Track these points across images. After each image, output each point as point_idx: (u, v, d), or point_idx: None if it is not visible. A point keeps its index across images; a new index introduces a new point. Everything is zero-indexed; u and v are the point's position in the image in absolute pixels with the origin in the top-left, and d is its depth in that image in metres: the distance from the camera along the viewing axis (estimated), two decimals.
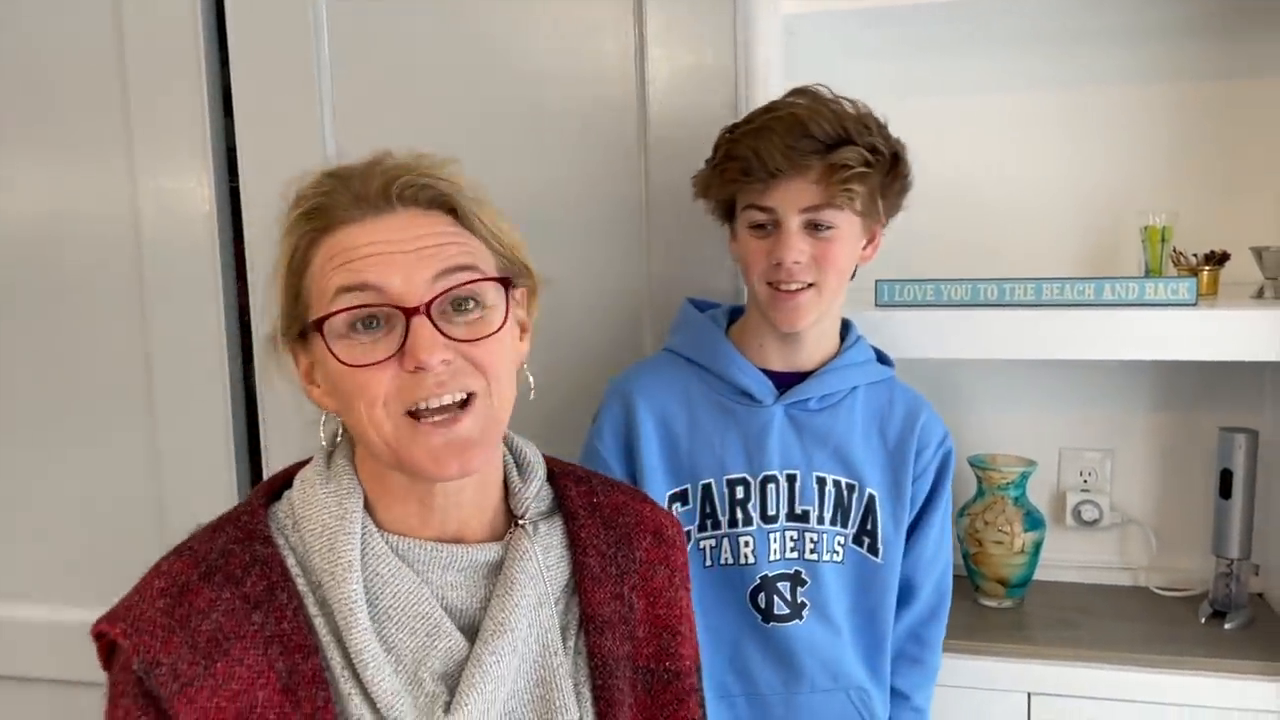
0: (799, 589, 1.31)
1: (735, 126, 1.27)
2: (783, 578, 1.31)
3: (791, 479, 1.31)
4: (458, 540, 0.88)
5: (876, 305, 1.51)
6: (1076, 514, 1.77)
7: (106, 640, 0.81)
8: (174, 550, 0.86)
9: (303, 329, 0.84)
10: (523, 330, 0.92)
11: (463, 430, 0.81)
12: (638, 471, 1.32)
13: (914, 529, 1.36)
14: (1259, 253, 1.49)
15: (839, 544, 1.32)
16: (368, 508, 0.87)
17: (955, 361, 1.47)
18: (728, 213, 1.31)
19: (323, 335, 0.80)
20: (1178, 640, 1.54)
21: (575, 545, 0.93)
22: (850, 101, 1.24)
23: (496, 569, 0.88)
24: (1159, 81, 1.69)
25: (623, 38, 1.50)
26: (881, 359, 1.38)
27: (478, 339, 0.82)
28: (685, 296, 1.42)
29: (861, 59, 1.70)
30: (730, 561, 1.31)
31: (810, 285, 1.23)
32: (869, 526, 1.32)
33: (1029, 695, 1.51)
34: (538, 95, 1.54)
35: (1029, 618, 1.61)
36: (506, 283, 0.85)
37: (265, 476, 1.65)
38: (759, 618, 1.31)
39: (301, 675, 0.79)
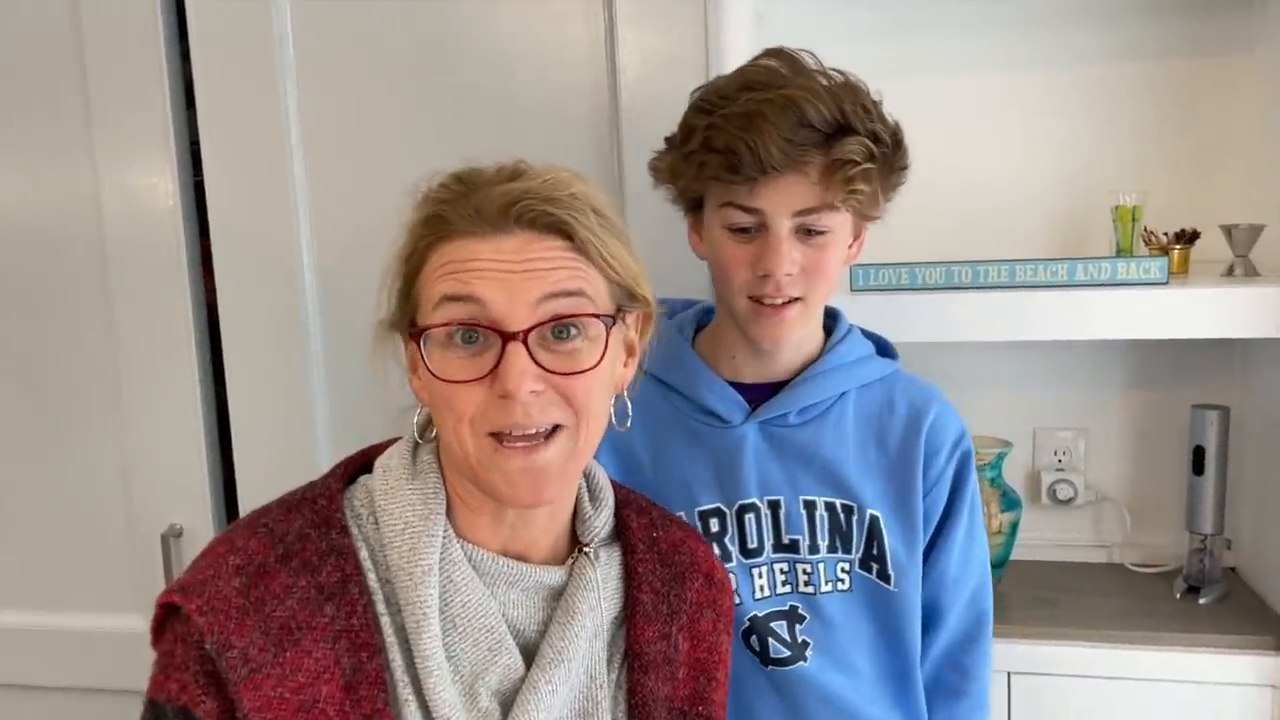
0: (797, 626, 1.14)
1: (709, 103, 1.08)
2: (776, 616, 1.14)
3: (774, 506, 1.14)
4: (521, 558, 0.87)
5: (852, 291, 1.51)
6: (1052, 493, 1.78)
7: (168, 609, 0.80)
8: (247, 524, 0.84)
9: (410, 327, 0.83)
10: (630, 354, 0.91)
11: (542, 459, 0.80)
12: None
13: (933, 546, 1.17)
14: (1228, 230, 1.50)
15: (843, 570, 1.15)
16: (448, 512, 0.86)
17: (930, 345, 1.47)
18: (695, 204, 1.14)
19: (419, 343, 0.80)
20: (1154, 616, 1.56)
21: (631, 578, 0.92)
22: (838, 73, 1.08)
23: (557, 593, 0.88)
24: (1127, 61, 1.69)
25: (592, 23, 1.49)
26: (883, 350, 1.23)
27: (572, 373, 0.80)
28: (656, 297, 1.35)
29: (833, 42, 1.68)
30: None
31: (797, 300, 1.07)
32: (875, 551, 1.14)
33: (1009, 674, 1.51)
34: (507, 82, 1.52)
35: (1007, 597, 1.62)
36: (612, 319, 0.83)
37: (238, 477, 1.66)
38: (758, 660, 1.15)
39: (365, 674, 0.79)
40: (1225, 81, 1.66)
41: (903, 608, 1.15)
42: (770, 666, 1.14)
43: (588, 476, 0.95)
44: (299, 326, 1.58)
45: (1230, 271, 1.50)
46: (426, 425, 0.89)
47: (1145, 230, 1.60)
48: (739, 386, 1.16)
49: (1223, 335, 1.44)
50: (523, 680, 0.84)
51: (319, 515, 0.84)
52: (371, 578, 0.83)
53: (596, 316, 0.81)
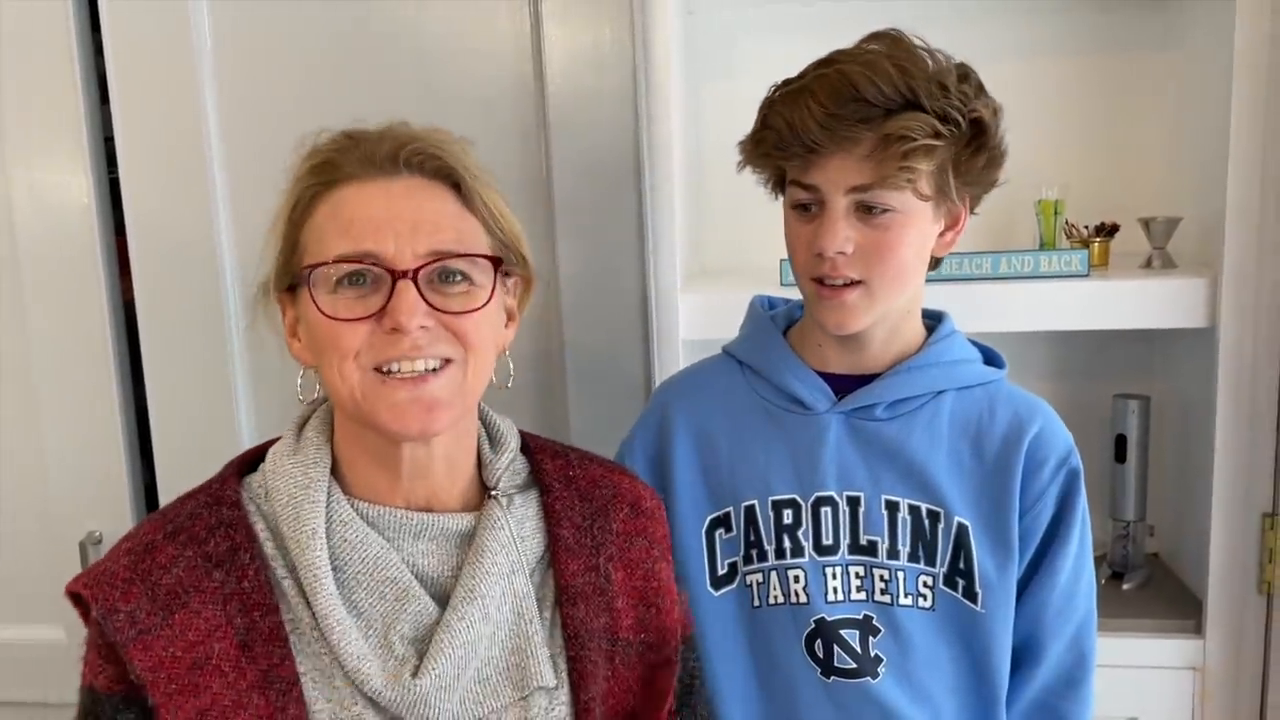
0: (871, 639, 1.07)
1: (780, 82, 1.05)
2: (848, 624, 1.07)
3: (854, 502, 1.08)
4: (428, 510, 0.90)
5: (782, 285, 1.51)
6: None
7: (79, 600, 0.84)
8: (147, 517, 0.89)
9: (293, 281, 0.86)
10: (510, 318, 0.94)
11: (430, 389, 0.83)
12: (669, 492, 1.13)
13: (1035, 572, 1.09)
14: (1146, 223, 1.53)
15: (925, 585, 1.07)
16: (338, 475, 0.89)
17: None
18: (780, 184, 1.09)
19: (309, 285, 0.82)
20: None
21: (550, 517, 0.94)
22: (939, 54, 1.03)
23: (469, 539, 0.89)
24: (1049, 57, 1.72)
25: (517, 18, 1.47)
26: (990, 359, 1.16)
27: (461, 311, 0.83)
28: (702, 299, 1.31)
29: (759, 37, 1.70)
30: (781, 600, 1.09)
31: (858, 282, 1.02)
32: (962, 565, 1.07)
33: None
34: (431, 75, 1.50)
35: None
36: (497, 262, 0.86)
37: (159, 477, 1.62)
38: (818, 670, 1.08)
39: (259, 632, 0.82)
40: (1144, 78, 1.70)
41: (991, 632, 1.06)
42: (832, 678, 1.08)
43: (487, 424, 0.97)
44: (220, 326, 1.55)
45: (1149, 264, 1.53)
46: (313, 392, 0.92)
47: (1067, 223, 1.63)
48: (833, 377, 1.11)
49: (1141, 326, 1.47)
50: (438, 623, 0.85)
51: (210, 496, 0.88)
52: (269, 546, 0.86)
53: (484, 257, 0.85)
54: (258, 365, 1.56)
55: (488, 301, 0.85)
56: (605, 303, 1.50)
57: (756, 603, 1.11)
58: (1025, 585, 1.08)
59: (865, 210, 1.01)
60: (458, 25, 1.49)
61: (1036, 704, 1.11)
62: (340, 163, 0.84)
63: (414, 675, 0.83)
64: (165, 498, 1.58)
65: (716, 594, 1.13)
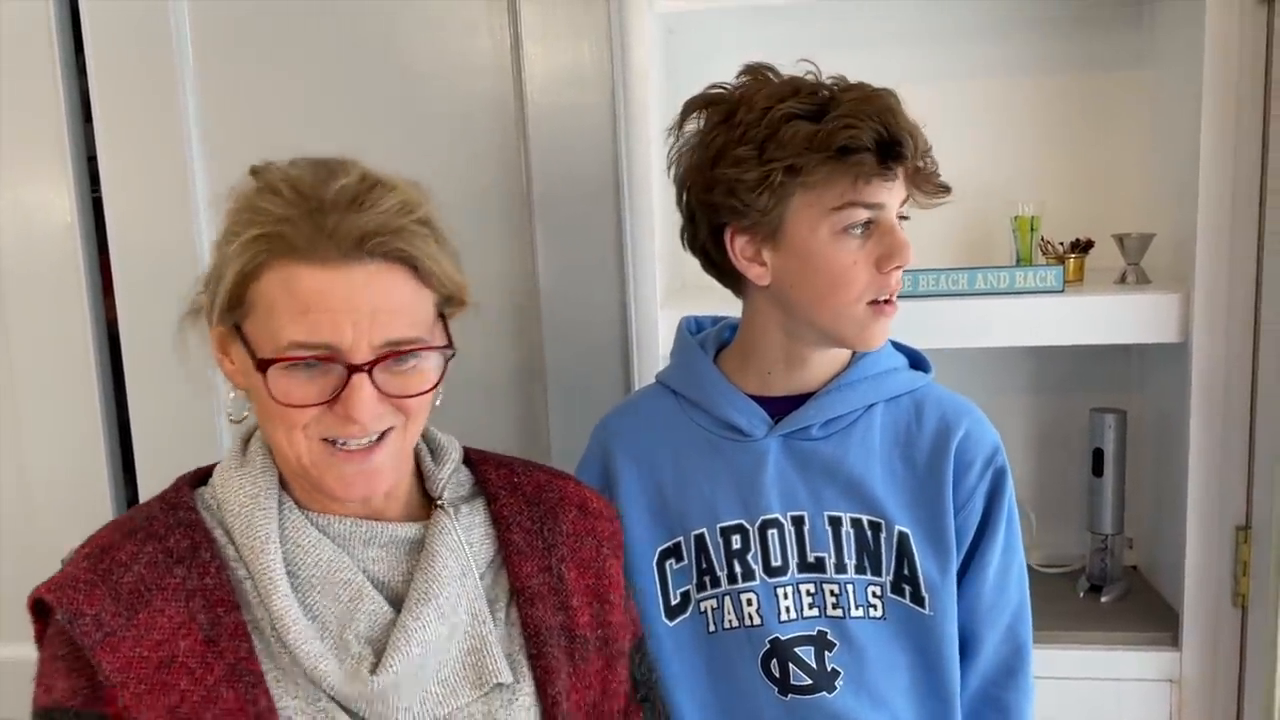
0: (826, 653, 1.09)
1: (809, 110, 1.02)
2: (802, 641, 1.09)
3: (798, 522, 1.10)
4: (378, 520, 0.92)
5: None
6: None
7: (39, 609, 0.85)
8: (101, 526, 0.90)
9: (235, 323, 0.85)
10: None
11: (375, 461, 0.86)
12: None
13: (965, 569, 1.12)
14: (1120, 239, 1.55)
15: (874, 595, 1.10)
16: (286, 487, 0.91)
17: None
18: (772, 229, 1.05)
19: (264, 377, 0.82)
20: (1058, 615, 1.59)
21: (499, 523, 0.97)
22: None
23: (418, 546, 0.91)
24: (1025, 76, 1.74)
25: (498, 35, 1.49)
26: (917, 363, 1.18)
27: (410, 395, 0.85)
28: (680, 313, 1.28)
29: (740, 55, 1.71)
30: (735, 624, 1.11)
31: None
32: (906, 572, 1.09)
33: None
34: (412, 93, 1.51)
35: None
36: (449, 350, 0.89)
37: (140, 494, 1.62)
38: (776, 689, 1.10)
39: (224, 627, 0.83)
40: (1118, 96, 1.72)
41: (940, 633, 1.09)
42: (790, 695, 1.09)
43: (428, 439, 0.99)
44: (203, 344, 1.54)
45: (1123, 279, 1.55)
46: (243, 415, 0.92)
47: (1042, 240, 1.64)
48: (767, 400, 1.13)
49: (1116, 341, 1.49)
50: (394, 624, 0.87)
51: (166, 502, 0.90)
52: (230, 550, 0.87)
53: (436, 349, 0.87)
54: None
55: (436, 384, 0.87)
56: (585, 318, 1.51)
57: (712, 628, 1.13)
58: (958, 582, 1.11)
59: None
60: (438, 43, 1.50)
61: (979, 695, 1.14)
62: (298, 243, 0.80)
63: (372, 672, 0.84)
64: None
65: (671, 624, 1.15)
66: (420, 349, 0.85)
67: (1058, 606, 1.63)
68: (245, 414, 0.91)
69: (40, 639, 0.86)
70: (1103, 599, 1.64)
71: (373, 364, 0.82)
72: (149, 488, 1.59)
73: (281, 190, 0.83)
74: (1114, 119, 1.72)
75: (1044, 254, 1.64)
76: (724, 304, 1.21)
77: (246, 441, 0.94)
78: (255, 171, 0.87)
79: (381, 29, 1.51)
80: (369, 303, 0.81)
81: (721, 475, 1.13)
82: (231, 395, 0.91)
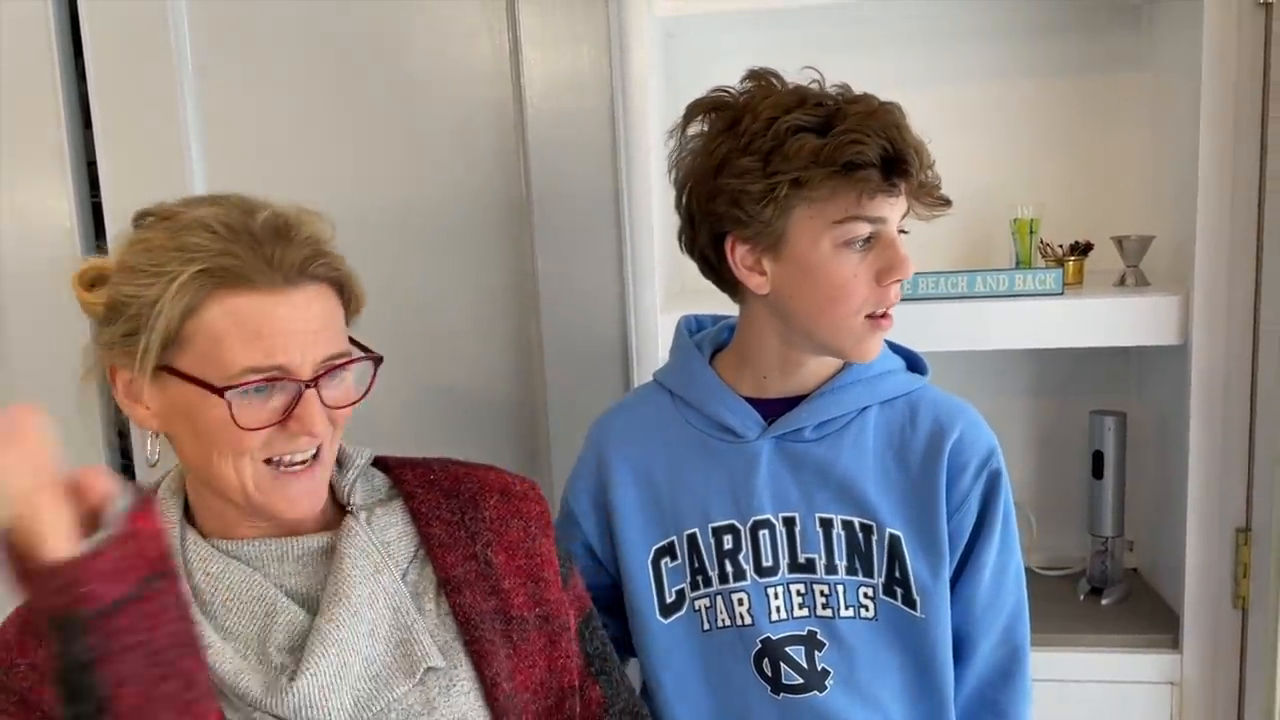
0: (816, 653, 1.10)
1: (805, 123, 1.01)
2: (792, 641, 1.11)
3: (789, 523, 1.11)
4: (294, 534, 0.94)
5: None
6: None
7: None
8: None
9: (162, 365, 0.86)
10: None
11: (317, 478, 0.91)
12: (615, 529, 1.16)
13: (960, 573, 1.12)
14: (1119, 242, 1.55)
15: (866, 596, 1.10)
16: (194, 521, 0.94)
17: None
18: (774, 240, 1.04)
19: (226, 400, 0.84)
20: (1058, 618, 1.59)
21: (418, 519, 0.99)
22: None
23: (332, 554, 0.94)
24: (1024, 78, 1.74)
25: (497, 41, 1.49)
26: (914, 365, 1.18)
27: (346, 405, 0.91)
28: (680, 314, 1.28)
29: (741, 62, 1.71)
30: (727, 623, 1.13)
31: None
32: (898, 575, 1.10)
33: None
34: (412, 98, 1.52)
35: None
36: (378, 360, 0.93)
37: None
38: (768, 688, 1.11)
39: None
40: (1117, 99, 1.72)
41: (932, 636, 1.10)
42: (782, 694, 1.11)
43: None
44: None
45: (1122, 281, 1.55)
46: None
47: (1041, 242, 1.64)
48: (761, 402, 1.13)
49: (1115, 344, 1.49)
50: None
51: None
52: None
53: (369, 359, 0.92)
54: None
55: (367, 391, 0.93)
56: (585, 322, 1.51)
57: (706, 626, 1.14)
58: (953, 585, 1.11)
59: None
60: (438, 48, 1.50)
61: (975, 697, 1.14)
62: (242, 271, 0.84)
63: (290, 679, 0.86)
64: None
65: (666, 621, 1.16)
66: (355, 360, 0.91)
67: (1058, 609, 1.63)
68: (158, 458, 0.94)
69: None
70: (1103, 601, 1.64)
71: (317, 379, 0.87)
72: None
73: (212, 226, 0.86)
74: (1113, 121, 1.72)
75: (1043, 256, 1.64)
76: (724, 306, 1.22)
77: (156, 487, 0.97)
78: (159, 215, 0.89)
79: (381, 34, 1.51)
80: (309, 323, 0.87)
81: (714, 475, 1.13)
82: (151, 440, 0.93)
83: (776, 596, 1.11)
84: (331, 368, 0.88)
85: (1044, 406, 1.80)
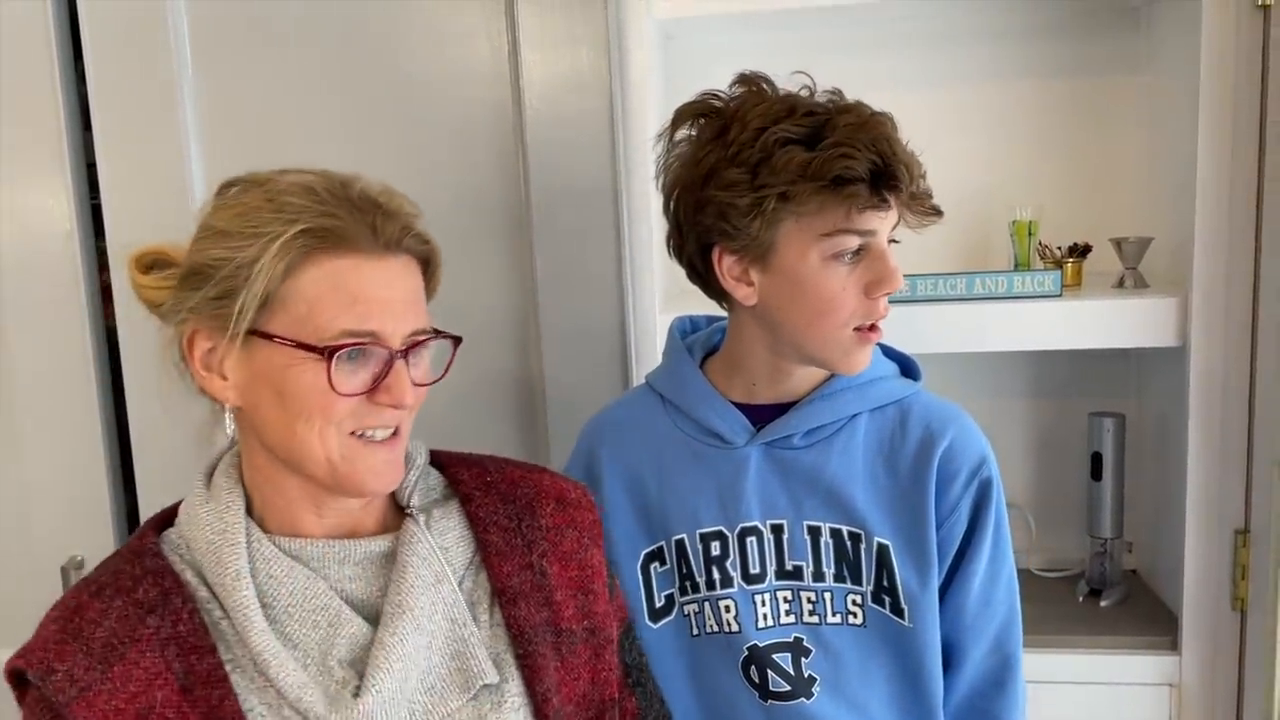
0: (803, 660, 1.10)
1: (794, 134, 1.00)
2: (779, 648, 1.10)
3: (777, 530, 1.10)
4: (353, 537, 0.92)
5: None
6: None
7: (15, 677, 0.84)
8: (70, 586, 0.90)
9: (251, 329, 0.83)
10: None
11: (399, 451, 0.90)
12: (604, 528, 1.10)
13: (950, 581, 1.10)
14: (1118, 244, 1.55)
15: (854, 603, 1.09)
16: (254, 516, 0.90)
17: None
18: (761, 252, 1.03)
19: (328, 363, 0.82)
20: (1058, 619, 1.60)
21: (475, 523, 0.96)
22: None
23: (392, 558, 0.91)
24: (1023, 80, 1.74)
25: (496, 43, 1.49)
26: (907, 370, 1.17)
27: (428, 383, 0.90)
28: (676, 316, 1.27)
29: (740, 63, 1.71)
30: (715, 629, 1.12)
31: None
32: (886, 583, 1.09)
33: None
34: (411, 100, 1.52)
35: None
36: (457, 340, 0.92)
37: (140, 504, 1.62)
38: (756, 694, 1.11)
39: (198, 675, 0.82)
40: (1115, 101, 1.72)
41: (921, 645, 1.08)
42: (769, 701, 1.10)
43: None
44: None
45: (1121, 283, 1.55)
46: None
47: (1040, 244, 1.64)
48: (751, 408, 1.12)
49: (1114, 345, 1.49)
50: (373, 642, 0.87)
51: (131, 551, 0.89)
52: (202, 591, 0.87)
53: (449, 338, 0.91)
54: None
55: (445, 373, 0.91)
56: (584, 324, 1.52)
57: (695, 631, 1.14)
58: (943, 593, 1.10)
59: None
60: (437, 49, 1.51)
61: (966, 707, 1.13)
62: (345, 233, 0.83)
63: (355, 695, 0.84)
64: None
65: (655, 626, 1.15)
66: (437, 338, 0.89)
67: (1057, 611, 1.63)
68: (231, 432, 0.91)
69: (21, 702, 0.85)
70: (1102, 603, 1.64)
71: (407, 351, 0.86)
72: (148, 495, 1.59)
73: (314, 189, 0.84)
74: (1112, 123, 1.73)
75: (1042, 258, 1.64)
76: (722, 310, 1.22)
77: (210, 474, 0.93)
78: (252, 182, 0.87)
79: (380, 35, 1.51)
80: (401, 294, 0.86)
81: (703, 481, 1.13)
82: (227, 415, 0.89)
83: (763, 604, 1.11)
84: (417, 342, 0.87)
85: (1043, 408, 1.80)
